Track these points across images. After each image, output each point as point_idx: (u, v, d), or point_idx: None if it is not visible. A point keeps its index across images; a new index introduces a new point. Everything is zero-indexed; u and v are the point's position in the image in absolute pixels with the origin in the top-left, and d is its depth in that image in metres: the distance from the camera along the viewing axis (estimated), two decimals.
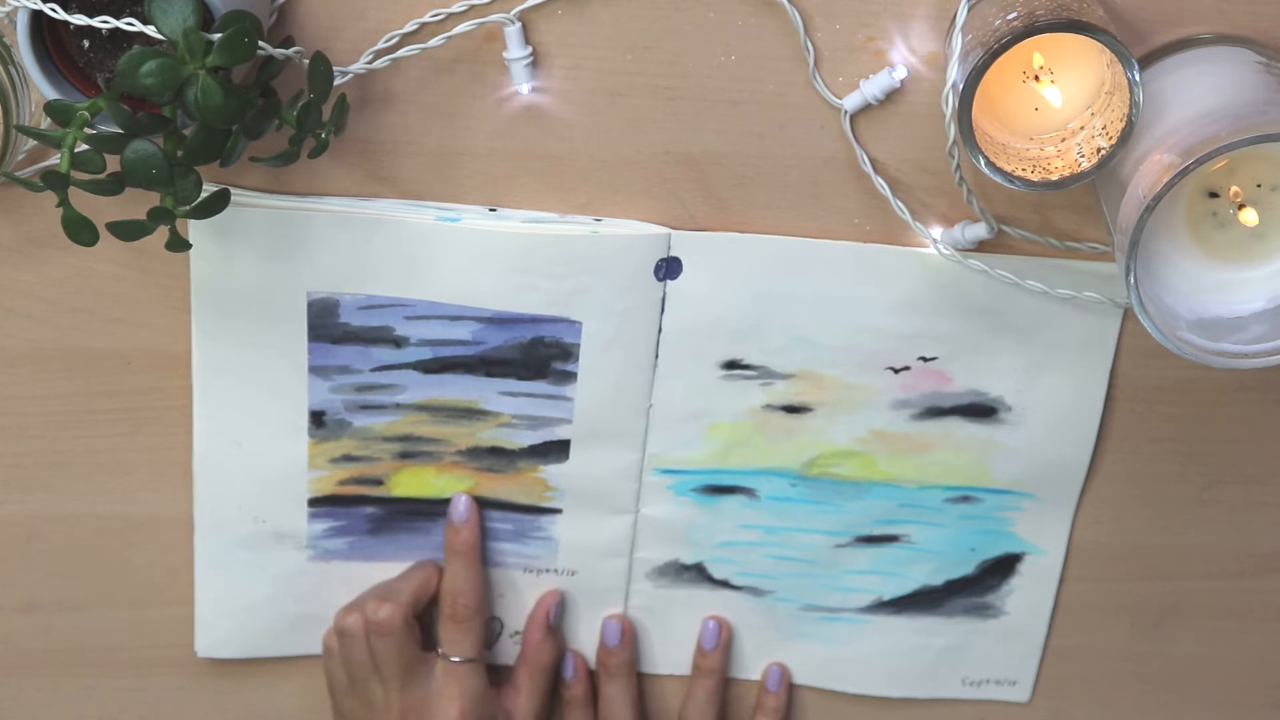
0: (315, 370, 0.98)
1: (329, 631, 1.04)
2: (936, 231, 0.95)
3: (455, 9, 0.89)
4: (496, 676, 1.06)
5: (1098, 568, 1.06)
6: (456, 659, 1.02)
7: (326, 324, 0.96)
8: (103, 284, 0.96)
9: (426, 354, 0.97)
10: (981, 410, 1.00)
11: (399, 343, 0.97)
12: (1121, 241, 0.81)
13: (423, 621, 1.04)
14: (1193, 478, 1.03)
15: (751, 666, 1.08)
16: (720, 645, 1.06)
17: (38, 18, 0.81)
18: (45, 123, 0.87)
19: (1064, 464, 1.02)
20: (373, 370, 0.98)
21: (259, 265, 0.94)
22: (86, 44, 0.84)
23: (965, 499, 1.03)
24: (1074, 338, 0.98)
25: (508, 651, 1.07)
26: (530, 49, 0.90)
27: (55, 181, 0.80)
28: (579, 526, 1.03)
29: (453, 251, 0.94)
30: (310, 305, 0.96)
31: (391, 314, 0.96)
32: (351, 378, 0.98)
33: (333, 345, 0.97)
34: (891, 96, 0.91)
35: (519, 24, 0.89)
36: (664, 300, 0.96)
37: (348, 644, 1.02)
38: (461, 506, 1.02)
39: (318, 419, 0.99)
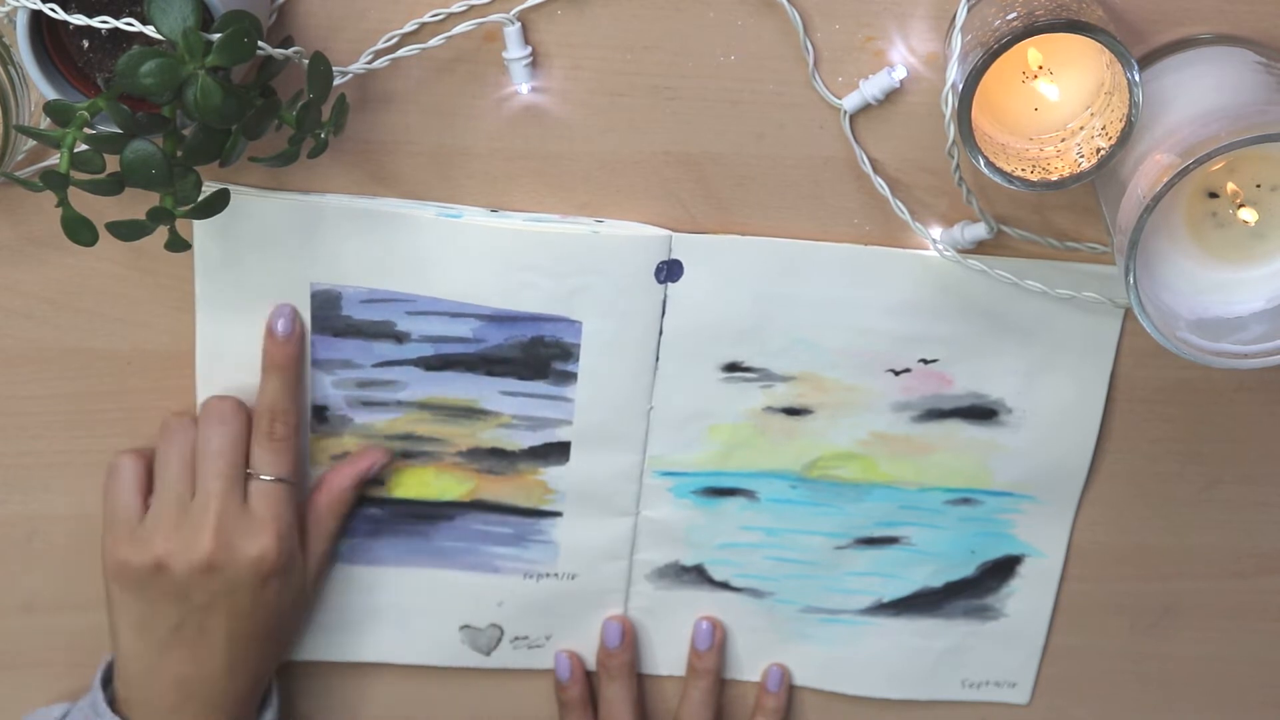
0: (318, 364, 0.98)
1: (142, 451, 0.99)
2: (936, 232, 0.95)
3: (455, 9, 0.89)
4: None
5: (1098, 568, 1.06)
6: (268, 478, 0.97)
7: (329, 316, 0.96)
8: (103, 284, 0.96)
9: (428, 350, 0.97)
10: (982, 412, 1.00)
11: (400, 338, 0.97)
12: (1121, 242, 0.81)
13: None
14: (1193, 478, 1.03)
15: (751, 668, 1.08)
16: (715, 646, 1.06)
17: (37, 18, 0.81)
18: (45, 123, 0.87)
19: (1064, 466, 1.02)
20: (374, 366, 0.98)
21: (263, 258, 0.95)
22: (86, 44, 0.84)
23: (966, 501, 1.03)
24: (1074, 338, 0.98)
25: (507, 658, 1.07)
26: (530, 49, 0.90)
27: (55, 181, 0.80)
28: (579, 529, 1.03)
29: (454, 246, 0.94)
30: (314, 297, 0.96)
31: (393, 309, 0.96)
32: (353, 372, 0.98)
33: (335, 338, 0.97)
34: (891, 96, 0.91)
35: (519, 24, 0.89)
36: (665, 302, 0.96)
37: (173, 435, 0.97)
38: (284, 319, 0.96)
39: (319, 414, 0.99)
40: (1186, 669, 1.09)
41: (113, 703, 0.98)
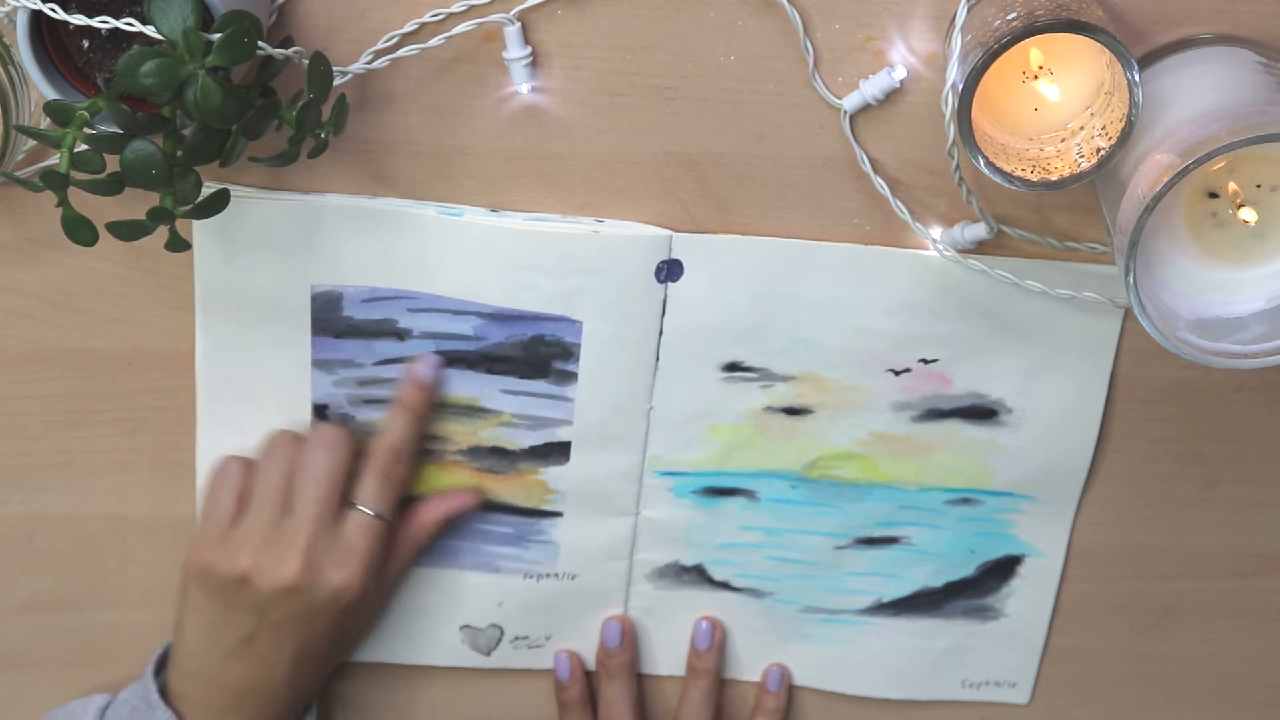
0: (318, 364, 0.98)
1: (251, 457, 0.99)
2: (936, 232, 0.95)
3: (455, 9, 0.89)
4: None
5: (1098, 568, 1.06)
6: (369, 511, 0.97)
7: (330, 317, 0.96)
8: (103, 284, 0.96)
9: (429, 347, 0.97)
10: (982, 412, 1.00)
11: (402, 335, 0.97)
12: (1121, 242, 0.81)
13: None
14: (1193, 478, 1.03)
15: (751, 668, 1.08)
16: (714, 645, 1.06)
17: (37, 18, 0.81)
18: (45, 123, 0.87)
19: (1065, 466, 1.02)
20: (375, 364, 0.98)
21: (264, 259, 0.95)
22: (86, 44, 0.84)
23: (966, 501, 1.03)
24: (1074, 338, 0.98)
25: (508, 658, 1.07)
26: (530, 49, 0.90)
27: (55, 181, 0.80)
28: (579, 529, 1.03)
29: (455, 245, 0.94)
30: (314, 298, 0.96)
31: (395, 306, 0.96)
32: (354, 371, 0.98)
33: (335, 339, 0.97)
34: (891, 96, 0.91)
35: (519, 24, 0.89)
36: (665, 302, 0.96)
37: (277, 450, 0.97)
38: (428, 365, 0.97)
39: (320, 413, 0.99)
40: (1186, 669, 1.09)
41: (163, 692, 0.98)
